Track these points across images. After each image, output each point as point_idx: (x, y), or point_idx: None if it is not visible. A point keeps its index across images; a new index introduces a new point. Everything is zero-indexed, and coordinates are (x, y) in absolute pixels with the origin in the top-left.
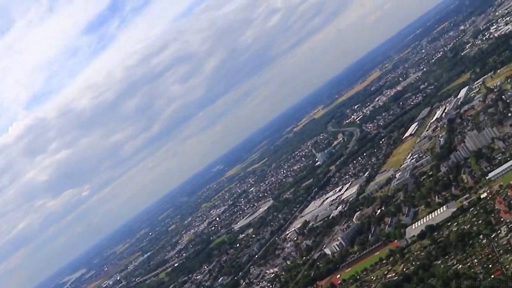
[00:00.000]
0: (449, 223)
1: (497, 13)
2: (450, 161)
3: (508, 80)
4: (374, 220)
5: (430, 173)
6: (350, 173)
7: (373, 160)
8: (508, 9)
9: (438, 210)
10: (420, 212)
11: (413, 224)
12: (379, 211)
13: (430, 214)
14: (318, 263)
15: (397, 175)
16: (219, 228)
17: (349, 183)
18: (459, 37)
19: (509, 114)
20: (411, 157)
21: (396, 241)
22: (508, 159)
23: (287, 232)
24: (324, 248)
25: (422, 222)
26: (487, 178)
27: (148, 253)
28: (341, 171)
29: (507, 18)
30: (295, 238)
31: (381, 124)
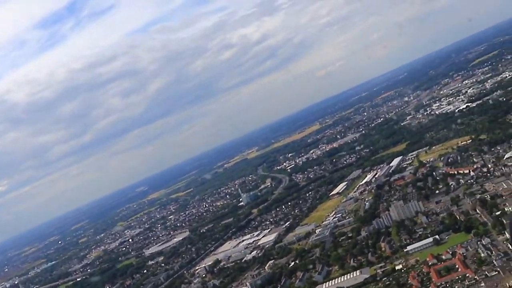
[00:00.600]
0: None
1: (441, 92)
2: (371, 226)
3: (441, 158)
4: (286, 271)
5: (350, 235)
6: (271, 220)
7: (296, 211)
8: (453, 90)
9: (352, 274)
10: (333, 272)
11: (324, 284)
12: (292, 263)
13: (343, 277)
14: None
15: (317, 231)
16: (130, 250)
17: (269, 230)
18: (402, 108)
19: (436, 192)
20: (334, 215)
21: None
22: (429, 235)
23: (197, 268)
24: None
25: (333, 283)
26: (405, 250)
27: (53, 262)
28: (263, 216)
29: (450, 99)
30: (204, 275)
31: (311, 177)
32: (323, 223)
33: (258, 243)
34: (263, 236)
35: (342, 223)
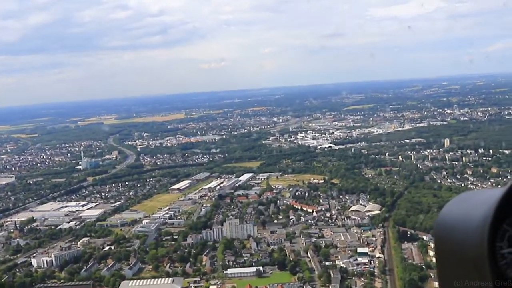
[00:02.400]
0: None
1: (310, 124)
2: (200, 236)
3: (290, 189)
4: (97, 255)
5: (176, 237)
6: (103, 194)
7: (131, 194)
8: (321, 127)
9: (163, 279)
10: (145, 271)
11: (131, 281)
12: (108, 247)
13: (153, 280)
14: (17, 269)
15: (144, 221)
16: None
17: (96, 204)
18: (268, 126)
19: (275, 221)
20: (167, 211)
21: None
22: (253, 264)
23: (8, 220)
24: (33, 257)
25: (140, 283)
26: (225, 272)
27: None
28: (96, 187)
29: (316, 134)
30: (12, 230)
31: (158, 163)
32: (153, 215)
33: (81, 215)
34: (88, 209)
35: (172, 222)
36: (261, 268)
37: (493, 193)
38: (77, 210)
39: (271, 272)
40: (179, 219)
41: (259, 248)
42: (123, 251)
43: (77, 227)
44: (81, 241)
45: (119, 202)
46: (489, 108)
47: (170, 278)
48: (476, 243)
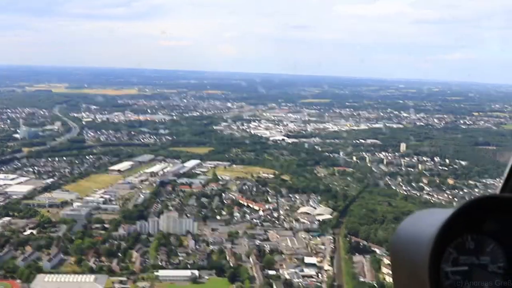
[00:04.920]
0: None
1: (264, 114)
2: (133, 227)
3: (237, 182)
4: (16, 240)
5: (107, 226)
6: (36, 168)
7: (67, 171)
8: (275, 117)
9: (83, 276)
10: (67, 265)
11: (47, 275)
12: (29, 232)
13: (72, 276)
14: None
15: (75, 204)
16: None
17: (27, 179)
18: (222, 111)
19: (218, 217)
20: (102, 195)
21: (18, 281)
22: (189, 266)
23: None
24: None
25: (57, 279)
26: (155, 273)
27: None
28: (30, 160)
29: (270, 124)
30: None
31: (102, 139)
32: (87, 197)
33: (7, 190)
34: (17, 183)
35: (105, 207)
36: (196, 272)
37: (444, 214)
38: (4, 184)
39: (207, 277)
40: (114, 204)
41: (197, 247)
42: (45, 238)
43: (0, 204)
44: (0, 221)
45: (52, 179)
46: (445, 116)
47: (93, 276)
48: (423, 264)
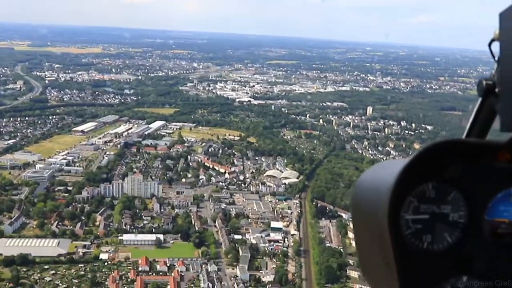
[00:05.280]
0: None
1: (230, 75)
2: (97, 190)
3: (203, 144)
4: None
5: (70, 188)
6: None
7: (29, 131)
8: (242, 78)
9: (46, 240)
10: (29, 229)
11: (9, 240)
12: None
13: (33, 240)
14: None
15: (37, 166)
16: None
17: None
18: (188, 72)
19: (183, 180)
20: (65, 157)
21: None
22: (154, 230)
23: None
24: None
25: (18, 243)
26: (120, 237)
27: None
28: None
29: (236, 86)
30: None
31: (65, 99)
32: (49, 159)
33: None
34: None
35: (68, 169)
36: (161, 236)
37: (404, 163)
38: None
39: (172, 242)
40: (77, 166)
41: (162, 211)
42: (6, 201)
43: None
44: None
45: (14, 140)
46: (411, 80)
47: (56, 240)
48: (383, 213)
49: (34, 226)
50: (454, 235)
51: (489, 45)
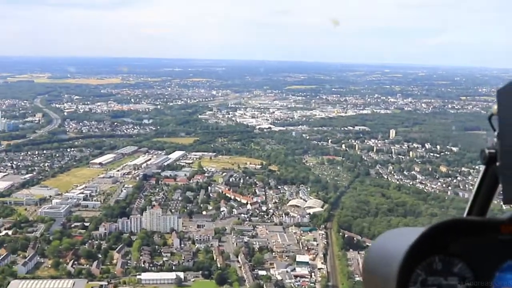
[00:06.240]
0: None
1: (250, 102)
2: (115, 225)
3: (223, 173)
4: None
5: (87, 224)
6: (14, 163)
7: (46, 165)
8: (261, 105)
9: (61, 281)
10: (43, 269)
11: (22, 282)
12: (5, 232)
13: (48, 282)
14: None
15: (54, 201)
16: None
17: (5, 174)
18: (207, 99)
19: (204, 212)
20: (83, 190)
21: None
22: (174, 267)
23: None
24: None
25: (33, 285)
26: (138, 276)
27: None
28: (9, 154)
29: (256, 112)
30: None
31: (84, 131)
32: (66, 193)
33: None
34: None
35: (86, 204)
36: (181, 274)
37: (414, 234)
38: None
39: (193, 280)
40: (94, 200)
41: (182, 246)
42: (21, 239)
43: None
44: None
45: (31, 174)
46: (432, 100)
47: (71, 280)
48: (392, 285)
49: (49, 266)
50: None
51: (489, 118)
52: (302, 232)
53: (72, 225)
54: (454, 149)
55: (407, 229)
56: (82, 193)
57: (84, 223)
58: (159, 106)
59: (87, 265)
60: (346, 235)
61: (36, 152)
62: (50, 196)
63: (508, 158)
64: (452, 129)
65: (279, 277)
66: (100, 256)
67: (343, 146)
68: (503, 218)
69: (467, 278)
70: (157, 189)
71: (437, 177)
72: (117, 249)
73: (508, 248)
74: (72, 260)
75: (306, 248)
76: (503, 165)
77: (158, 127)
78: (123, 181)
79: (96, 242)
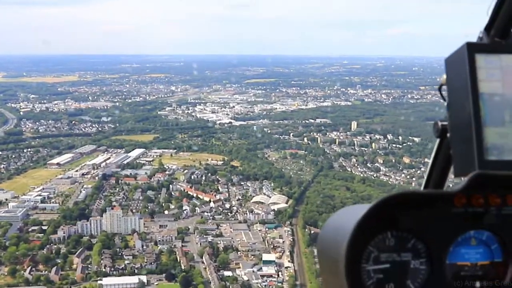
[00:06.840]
0: None
1: (210, 96)
2: (74, 228)
3: (185, 171)
4: None
5: (45, 228)
6: None
7: (2, 167)
8: (221, 99)
9: None
10: (3, 277)
11: None
12: None
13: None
14: None
15: (10, 204)
16: None
17: None
18: (166, 95)
19: (166, 212)
20: (40, 192)
21: None
22: (135, 270)
23: None
24: None
25: None
26: (99, 281)
27: None
28: None
29: (216, 107)
30: None
31: (41, 130)
32: (23, 196)
33: None
34: None
35: (44, 207)
36: (144, 278)
37: (365, 209)
38: None
39: (157, 283)
40: (53, 202)
41: (144, 248)
42: None
43: None
44: None
45: None
46: (392, 91)
47: None
48: (341, 266)
49: (5, 274)
50: (416, 282)
51: (439, 89)
52: (267, 229)
53: (30, 229)
54: (416, 139)
55: (360, 206)
56: (40, 195)
57: (42, 227)
58: (117, 103)
59: (46, 271)
60: (312, 231)
61: None
62: (6, 199)
63: (457, 129)
64: (411, 120)
65: (245, 278)
66: (59, 261)
67: (305, 139)
68: (456, 190)
69: (421, 254)
70: (117, 189)
71: (400, 168)
72: (76, 254)
73: (462, 221)
74: (30, 267)
75: (272, 246)
76: (453, 136)
77: (117, 125)
78: (82, 181)
79: (55, 246)
